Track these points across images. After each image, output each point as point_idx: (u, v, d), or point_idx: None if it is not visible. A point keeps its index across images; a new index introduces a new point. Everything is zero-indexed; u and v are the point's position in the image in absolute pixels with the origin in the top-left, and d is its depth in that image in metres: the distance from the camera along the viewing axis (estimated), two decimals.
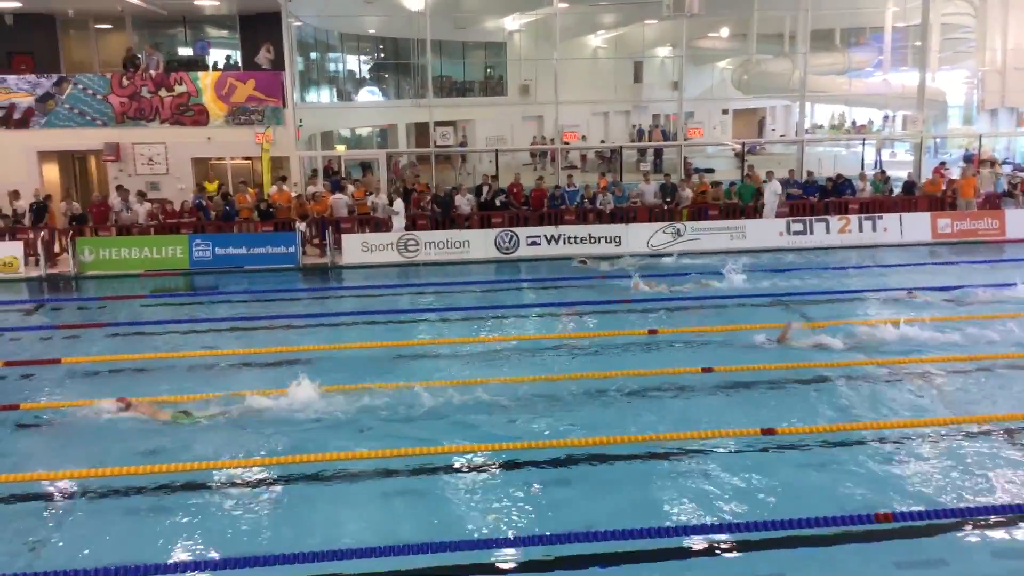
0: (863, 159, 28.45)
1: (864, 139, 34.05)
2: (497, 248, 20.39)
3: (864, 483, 8.03)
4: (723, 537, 7.15)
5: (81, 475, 8.40)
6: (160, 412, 9.97)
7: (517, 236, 20.48)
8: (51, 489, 8.25)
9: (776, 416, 9.65)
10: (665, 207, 21.96)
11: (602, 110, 38.34)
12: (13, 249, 19.38)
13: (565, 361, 12.08)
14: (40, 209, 20.55)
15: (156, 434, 9.49)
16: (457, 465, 8.64)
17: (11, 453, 9.06)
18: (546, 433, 9.39)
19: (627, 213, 21.79)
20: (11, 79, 22.44)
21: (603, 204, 21.65)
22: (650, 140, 36.45)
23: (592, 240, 20.58)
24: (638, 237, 20.68)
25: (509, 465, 8.63)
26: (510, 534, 7.28)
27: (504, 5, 31.75)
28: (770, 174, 22.17)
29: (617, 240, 20.62)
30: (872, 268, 18.61)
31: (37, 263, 19.49)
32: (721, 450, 8.85)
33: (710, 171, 28.75)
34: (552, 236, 20.55)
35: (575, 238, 20.59)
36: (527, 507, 7.73)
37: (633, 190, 22.67)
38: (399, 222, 20.48)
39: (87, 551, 7.05)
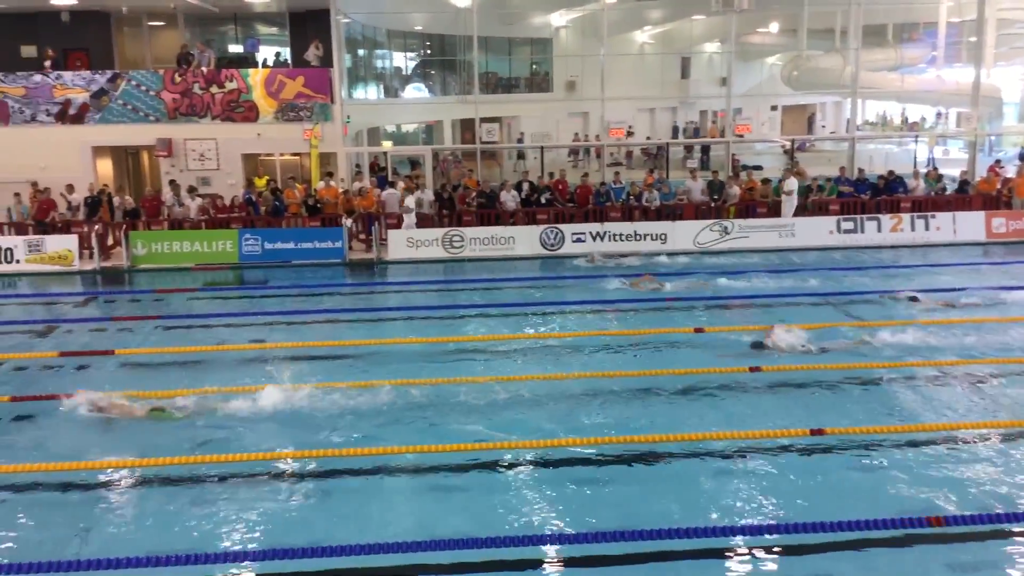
0: (916, 157, 27.91)
1: (917, 136, 33.40)
2: (542, 244, 20.37)
3: (915, 485, 7.89)
4: (771, 538, 7.06)
5: (130, 464, 8.56)
6: (135, 410, 10.05)
7: (562, 232, 20.43)
8: (101, 477, 8.41)
9: (826, 417, 9.51)
10: (712, 204, 21.75)
11: (648, 106, 38.09)
12: (68, 242, 19.81)
13: (610, 358, 12.01)
14: (94, 203, 20.98)
15: (203, 426, 9.65)
16: (502, 461, 8.64)
17: (65, 441, 9.25)
18: (591, 430, 9.35)
19: (673, 210, 21.61)
20: (67, 75, 22.94)
21: (649, 201, 21.50)
22: (704, 136, 36.16)
23: (637, 237, 20.45)
24: (685, 234, 20.51)
25: (554, 462, 8.61)
26: (554, 531, 7.27)
27: (551, 1, 31.70)
28: (787, 172, 21.93)
29: (663, 237, 20.47)
30: (895, 268, 18.25)
31: (91, 256, 19.91)
32: (769, 450, 8.73)
33: (758, 168, 28.44)
34: (597, 233, 20.46)
35: (620, 235, 20.48)
36: (571, 504, 7.72)
37: (680, 187, 22.49)
38: (410, 219, 20.56)
39: (133, 539, 7.19)
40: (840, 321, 13.51)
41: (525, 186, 21.98)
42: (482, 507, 7.69)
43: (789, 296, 15.26)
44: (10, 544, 7.17)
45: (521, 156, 32.19)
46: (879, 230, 20.61)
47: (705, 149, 33.40)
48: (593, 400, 10.30)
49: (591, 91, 27.91)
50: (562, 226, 20.60)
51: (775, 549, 6.93)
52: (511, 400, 10.31)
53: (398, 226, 20.85)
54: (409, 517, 7.56)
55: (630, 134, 28.36)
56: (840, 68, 31.66)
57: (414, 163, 27.67)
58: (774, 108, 41.78)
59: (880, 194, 21.95)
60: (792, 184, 21.24)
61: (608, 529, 7.05)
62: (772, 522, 7.30)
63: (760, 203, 21.66)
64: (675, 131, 37.79)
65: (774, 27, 37.62)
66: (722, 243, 20.42)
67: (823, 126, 46.50)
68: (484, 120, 25.43)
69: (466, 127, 30.54)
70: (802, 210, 21.28)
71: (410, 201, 20.63)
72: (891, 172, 22.86)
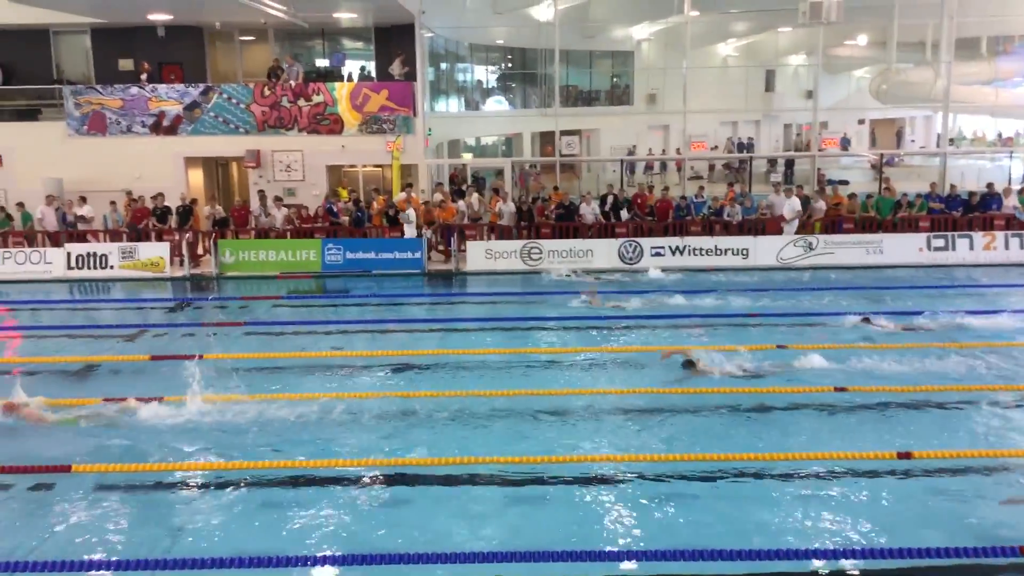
0: (1010, 173, 26.89)
1: (1012, 152, 32.18)
2: (620, 258, 20.25)
3: (1005, 514, 7.57)
4: (857, 564, 6.85)
5: (220, 467, 8.78)
6: (47, 416, 10.21)
7: (641, 246, 20.29)
8: (192, 478, 8.63)
9: (912, 440, 9.20)
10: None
11: (731, 119, 37.62)
12: (160, 250, 20.51)
13: (686, 373, 11.82)
14: (186, 212, 21.68)
15: (290, 429, 9.85)
16: (576, 475, 8.58)
17: (156, 444, 9.53)
18: (664, 447, 9.23)
19: (756, 225, 21.26)
20: (161, 88, 23.80)
21: (731, 216, 21.20)
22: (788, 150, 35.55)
23: (718, 252, 20.20)
24: (767, 250, 20.18)
25: (625, 478, 8.51)
26: (629, 548, 7.17)
27: (633, 14, 31.61)
28: (789, 191, 21.41)
29: (745, 252, 20.17)
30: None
31: (182, 263, 20.57)
32: (853, 472, 8.48)
33: (844, 183, 27.79)
34: (677, 247, 20.26)
35: (700, 249, 20.25)
36: (642, 522, 7.60)
37: (762, 201, 22.12)
38: (411, 231, 20.76)
39: (221, 540, 7.34)
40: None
41: (609, 199, 21.91)
42: (560, 520, 7.64)
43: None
44: (104, 541, 7.41)
45: (633, 169, 32.06)
46: (971, 248, 19.92)
47: (789, 163, 32.78)
48: (657, 416, 10.20)
49: (673, 104, 27.72)
50: (641, 240, 20.46)
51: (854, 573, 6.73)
52: (583, 413, 10.28)
53: (477, 238, 21.02)
54: (489, 528, 7.55)
55: (742, 147, 28.02)
56: (931, 81, 30.71)
57: (496, 175, 27.81)
58: (861, 122, 40.81)
59: (973, 211, 21.20)
60: (795, 203, 20.80)
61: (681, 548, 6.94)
62: (852, 546, 7.08)
63: (847, 218, 21.14)
64: (740, 146, 37.04)
65: (862, 39, 36.75)
66: (806, 259, 20.01)
67: (912, 140, 45.19)
68: (564, 133, 25.47)
69: (546, 140, 30.60)
70: (891, 227, 20.70)
71: (410, 214, 20.82)
72: (990, 185, 21.97)
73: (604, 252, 20.32)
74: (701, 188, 23.17)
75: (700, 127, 28.68)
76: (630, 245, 20.30)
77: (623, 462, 8.84)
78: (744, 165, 29.26)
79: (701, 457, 8.81)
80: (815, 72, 27.17)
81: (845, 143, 35.20)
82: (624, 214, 21.30)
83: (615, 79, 36.22)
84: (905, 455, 8.62)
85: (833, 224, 21.10)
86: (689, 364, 11.70)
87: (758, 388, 10.95)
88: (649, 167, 34.51)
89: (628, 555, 7.02)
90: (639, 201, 21.97)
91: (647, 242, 20.38)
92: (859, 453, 8.76)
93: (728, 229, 21.12)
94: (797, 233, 20.54)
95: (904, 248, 20.12)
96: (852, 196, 22.16)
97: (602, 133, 34.17)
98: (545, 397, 10.81)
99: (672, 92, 28.52)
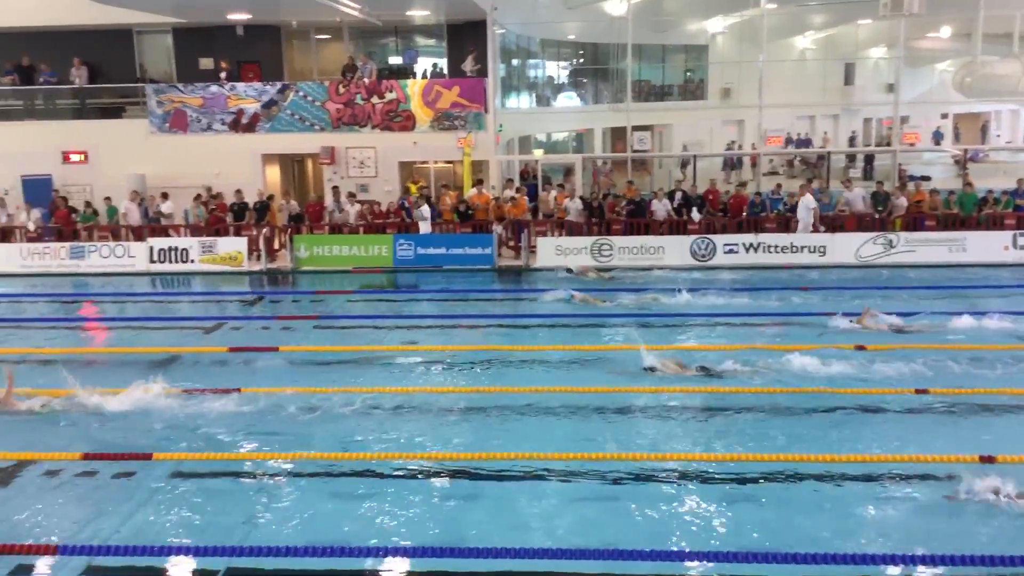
0: None
1: None
2: (692, 255, 20.00)
3: None
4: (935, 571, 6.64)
5: (294, 457, 8.95)
6: (16, 403, 10.52)
7: (713, 243, 20.00)
8: (265, 468, 8.82)
9: (996, 444, 8.87)
10: (876, 216, 20.76)
11: (808, 113, 36.82)
12: (238, 244, 21.00)
13: (761, 373, 11.61)
14: (262, 208, 22.15)
15: (360, 421, 9.99)
16: (647, 474, 8.49)
17: (234, 433, 9.76)
18: (740, 447, 9.08)
19: (833, 222, 20.76)
20: (240, 86, 24.34)
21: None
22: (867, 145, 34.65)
23: (794, 249, 19.78)
24: (845, 247, 19.69)
25: (700, 477, 8.40)
26: (695, 549, 7.06)
27: (707, 7, 31.14)
28: (802, 187, 20.71)
29: (822, 250, 19.71)
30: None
31: (259, 258, 21.03)
32: (933, 476, 8.22)
33: (926, 179, 26.98)
34: (751, 244, 19.91)
35: (776, 247, 19.86)
36: (714, 522, 7.49)
37: (841, 197, 21.59)
38: (425, 227, 20.84)
39: (294, 529, 7.48)
40: None
41: (678, 195, 21.65)
42: (630, 518, 7.58)
43: None
44: (178, 527, 7.62)
45: (685, 164, 31.72)
46: None
47: (869, 158, 31.95)
48: (718, 416, 10.05)
49: (748, 98, 27.25)
50: (714, 237, 20.17)
51: None
52: (652, 411, 10.21)
53: (547, 234, 21.00)
54: (558, 524, 7.53)
55: (790, 142, 27.46)
56: (1018, 75, 29.51)
57: (568, 171, 27.70)
58: (944, 116, 39.53)
59: None
60: (809, 200, 20.19)
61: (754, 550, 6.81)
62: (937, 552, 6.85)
63: (928, 215, 20.51)
64: (799, 142, 36.05)
65: (946, 31, 35.53)
66: (886, 257, 19.47)
67: (998, 135, 43.60)
68: (636, 128, 25.25)
69: (617, 135, 30.38)
70: (975, 224, 19.99)
71: (425, 210, 20.95)
72: None
73: (675, 249, 20.09)
74: (779, 185, 22.75)
75: (776, 122, 28.10)
76: (702, 242, 20.03)
77: (691, 461, 8.73)
78: (822, 160, 28.60)
79: (766, 458, 8.65)
80: (896, 65, 26.39)
81: (938, 136, 34.20)
82: (696, 212, 21.01)
83: (688, 73, 35.75)
84: (988, 459, 8.33)
85: (914, 221, 20.48)
86: (651, 369, 11.57)
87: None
88: (728, 162, 33.99)
89: (702, 555, 6.92)
90: (711, 197, 21.66)
91: (720, 239, 20.08)
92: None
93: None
94: (877, 231, 19.98)
95: (989, 246, 19.43)
96: (934, 192, 21.48)
97: (674, 128, 33.79)
98: (611, 394, 10.73)
99: (747, 86, 28.04)
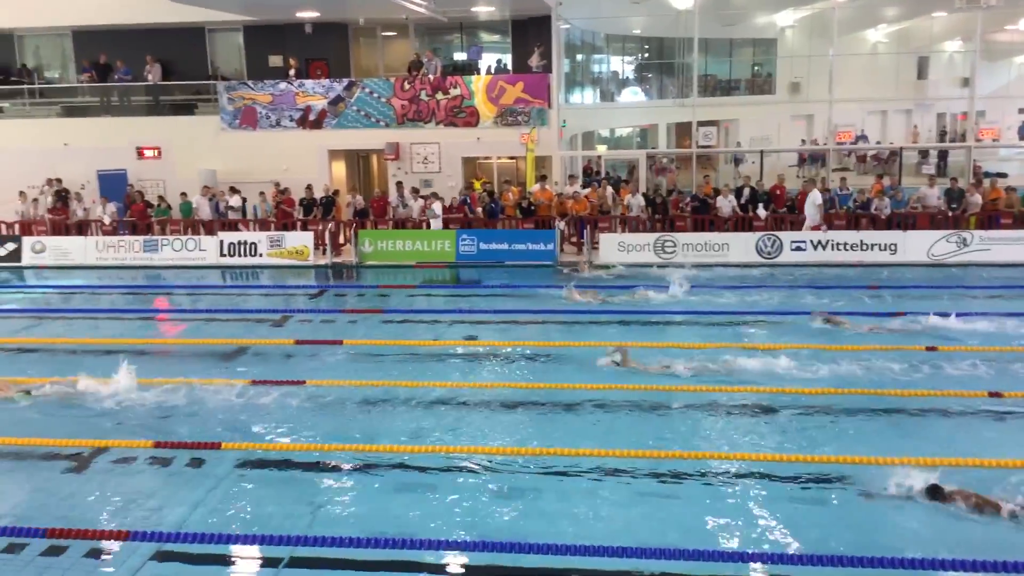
0: None
1: None
2: (758, 252, 19.68)
3: None
4: None
5: (356, 449, 9.08)
6: (5, 389, 10.84)
7: (780, 240, 19.66)
8: (329, 459, 8.94)
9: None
10: (950, 214, 20.17)
11: (880, 108, 35.93)
12: (305, 239, 21.34)
13: (830, 373, 11.36)
14: (328, 203, 22.47)
15: (422, 415, 10.09)
16: (705, 471, 8.40)
17: (299, 425, 9.94)
18: (807, 447, 8.92)
19: (905, 219, 20.24)
20: (308, 83, 24.72)
21: (878, 209, 20.26)
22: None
23: (864, 247, 19.33)
24: (917, 245, 19.17)
25: (762, 476, 8.27)
26: (754, 549, 6.96)
27: (777, 1, 30.61)
28: (809, 184, 20.08)
29: (893, 248, 19.23)
30: None
31: (324, 252, 21.34)
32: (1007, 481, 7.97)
33: (1003, 175, 26.11)
34: (819, 241, 19.53)
35: (845, 244, 19.44)
36: (773, 522, 7.38)
37: (913, 194, 21.03)
38: (436, 225, 20.95)
39: (357, 520, 7.58)
40: None
41: (746, 192, 21.33)
42: (693, 516, 7.51)
43: None
44: (244, 515, 7.78)
45: (738, 161, 31.26)
46: None
47: (942, 154, 31.04)
48: (782, 415, 9.86)
49: (817, 92, 26.72)
50: (781, 234, 19.81)
51: None
52: (712, 409, 10.10)
53: (610, 231, 20.89)
54: (620, 521, 7.49)
55: (861, 138, 26.84)
56: None
57: (632, 167, 27.50)
58: (1022, 111, 38.16)
59: None
60: (816, 197, 19.71)
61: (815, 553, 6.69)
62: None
63: (1005, 213, 19.85)
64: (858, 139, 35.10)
65: None
66: (960, 255, 18.91)
67: None
68: (701, 124, 24.95)
69: (682, 131, 30.05)
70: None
71: (437, 207, 21.06)
72: None
73: (741, 246, 19.80)
74: (843, 179, 22.26)
75: (846, 116, 27.49)
76: (768, 239, 19.70)
77: (749, 461, 8.61)
78: (894, 156, 27.90)
79: (811, 459, 8.48)
80: (972, 59, 25.57)
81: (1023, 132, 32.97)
82: (762, 208, 20.66)
83: (756, 68, 35.17)
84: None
85: (989, 219, 19.85)
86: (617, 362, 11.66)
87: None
88: (802, 160, 33.33)
89: (759, 556, 6.83)
90: (778, 193, 21.29)
91: (787, 236, 19.73)
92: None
93: (875, 223, 20.20)
94: (951, 228, 19.42)
95: None
96: (1010, 190, 20.77)
97: (741, 123, 33.29)
98: (674, 393, 10.64)
99: (817, 80, 27.47)
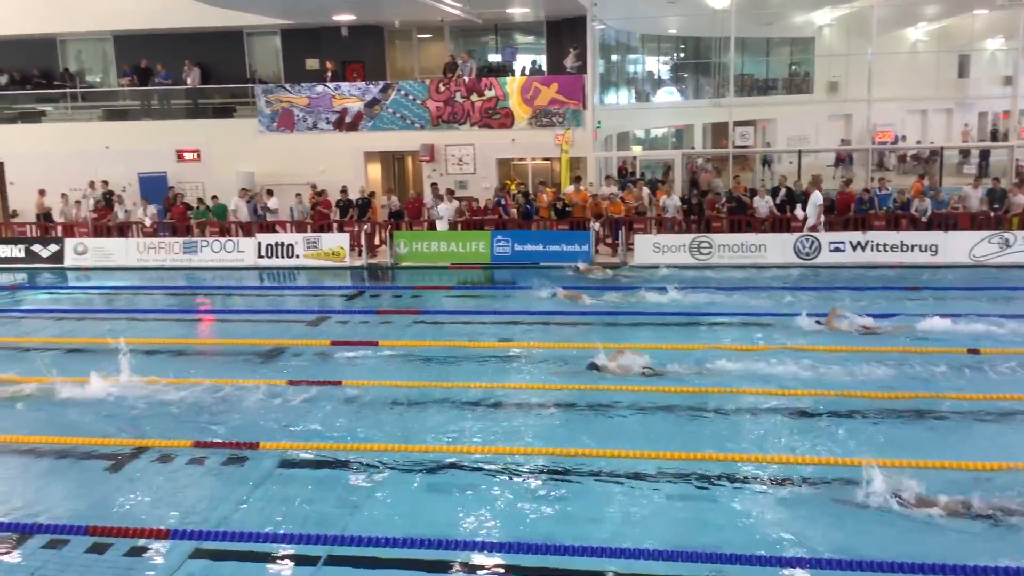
0: None
1: None
2: (796, 253, 19.49)
3: None
4: None
5: (392, 449, 9.11)
6: None
7: (819, 241, 19.44)
8: (366, 459, 8.98)
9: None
10: (992, 215, 19.82)
11: (919, 108, 35.42)
12: (340, 240, 21.49)
13: (867, 377, 11.22)
14: (364, 205, 22.62)
15: (458, 416, 10.11)
16: (745, 475, 8.32)
17: (336, 425, 10.01)
18: (839, 451, 8.78)
19: (946, 220, 19.92)
20: (344, 86, 24.91)
21: (918, 210, 19.96)
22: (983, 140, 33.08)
23: (904, 248, 19.07)
24: (958, 246, 18.87)
25: (803, 481, 8.17)
26: (794, 554, 6.88)
27: None
28: (812, 184, 19.90)
29: (933, 249, 18.95)
30: None
31: (360, 253, 21.48)
32: None
33: None
34: (858, 242, 19.28)
35: (885, 245, 19.19)
36: (815, 530, 7.28)
37: (954, 195, 20.70)
38: (442, 226, 20.94)
39: (393, 520, 7.60)
40: None
41: (782, 192, 21.13)
42: (729, 521, 7.44)
43: None
44: (282, 514, 7.84)
45: (768, 162, 30.98)
46: None
47: (984, 154, 30.52)
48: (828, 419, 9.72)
49: (856, 92, 26.41)
50: (819, 234, 19.60)
51: None
52: (748, 414, 10.01)
53: (645, 232, 20.80)
54: (655, 523, 7.45)
55: (903, 138, 26.48)
56: None
57: (668, 168, 27.35)
58: None
59: None
60: (818, 197, 19.51)
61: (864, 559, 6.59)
62: None
63: None
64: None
65: None
66: (1002, 257, 18.58)
67: None
68: (738, 123, 24.77)
69: (718, 131, 29.84)
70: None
71: (442, 209, 21.12)
72: None
73: (778, 247, 19.62)
74: (882, 179, 21.96)
75: (885, 116, 27.15)
76: (807, 240, 19.50)
77: (770, 464, 8.51)
78: (935, 156, 27.47)
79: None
80: (1015, 57, 25.10)
81: None
82: (800, 209, 20.44)
83: (793, 67, 34.85)
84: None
85: None
86: (595, 366, 11.54)
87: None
88: (840, 160, 32.98)
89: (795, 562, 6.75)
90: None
91: (825, 237, 19.51)
92: None
93: (915, 224, 19.91)
94: (993, 229, 19.09)
95: None
96: None
97: (778, 123, 32.99)
98: (714, 395, 10.57)
99: (855, 79, 27.17)
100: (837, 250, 19.30)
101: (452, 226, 21.76)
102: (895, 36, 34.45)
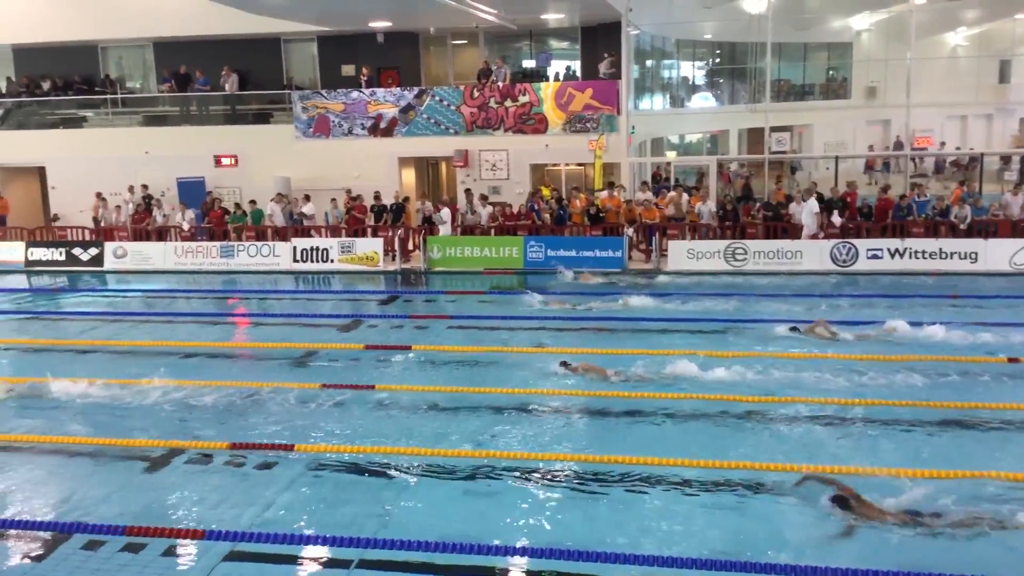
0: None
1: None
2: (832, 260, 19.27)
3: None
4: None
5: (425, 452, 9.14)
6: None
7: (856, 248, 19.22)
8: (398, 463, 9.02)
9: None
10: None
11: (959, 113, 34.89)
12: (375, 245, 21.62)
13: (909, 385, 11.05)
14: (398, 209, 22.74)
15: (486, 418, 10.14)
16: (774, 482, 8.24)
17: (367, 428, 10.07)
18: (882, 462, 8.67)
19: (986, 227, 19.60)
20: (380, 92, 25.08)
21: (958, 217, 19.66)
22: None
23: (943, 255, 18.79)
24: (998, 254, 18.57)
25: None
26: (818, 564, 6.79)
27: (852, 4, 29.99)
28: (807, 192, 19.64)
29: (973, 256, 18.65)
30: None
31: (394, 258, 21.58)
32: None
33: None
34: (896, 249, 19.03)
35: (923, 252, 18.92)
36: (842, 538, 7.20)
37: (995, 202, 20.36)
38: (445, 230, 20.93)
39: (425, 524, 7.60)
40: None
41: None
42: (767, 527, 7.37)
43: None
44: (315, 517, 7.89)
45: (795, 169, 30.68)
46: None
47: None
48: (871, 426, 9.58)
49: (894, 97, 26.10)
50: (856, 241, 19.37)
51: None
52: (779, 421, 9.92)
53: (679, 238, 20.68)
54: (689, 530, 7.40)
55: (943, 144, 26.12)
56: None
57: (701, 174, 27.19)
58: None
59: None
60: (813, 205, 19.29)
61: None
62: None
63: None
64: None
65: None
66: None
67: None
68: (774, 129, 24.57)
69: (754, 137, 29.60)
70: None
71: (444, 214, 21.21)
72: None
73: (815, 254, 19.41)
74: (919, 185, 21.66)
75: (924, 122, 26.78)
76: (844, 247, 19.27)
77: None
78: (974, 162, 27.05)
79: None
80: None
81: None
82: (836, 215, 20.21)
83: (831, 72, 34.49)
84: None
85: None
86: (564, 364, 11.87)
87: None
88: (871, 166, 32.58)
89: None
90: (852, 200, 20.82)
91: (863, 244, 19.28)
92: None
93: (955, 231, 19.62)
94: None
95: None
96: None
97: (815, 129, 32.67)
98: (744, 403, 10.48)
99: (894, 85, 26.86)
100: (875, 257, 19.06)
101: (485, 231, 21.80)
102: (934, 41, 34.00)
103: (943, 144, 31.83)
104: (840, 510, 7.47)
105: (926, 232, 19.71)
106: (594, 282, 18.87)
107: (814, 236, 19.68)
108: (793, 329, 13.56)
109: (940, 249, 18.91)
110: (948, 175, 31.81)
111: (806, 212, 19.89)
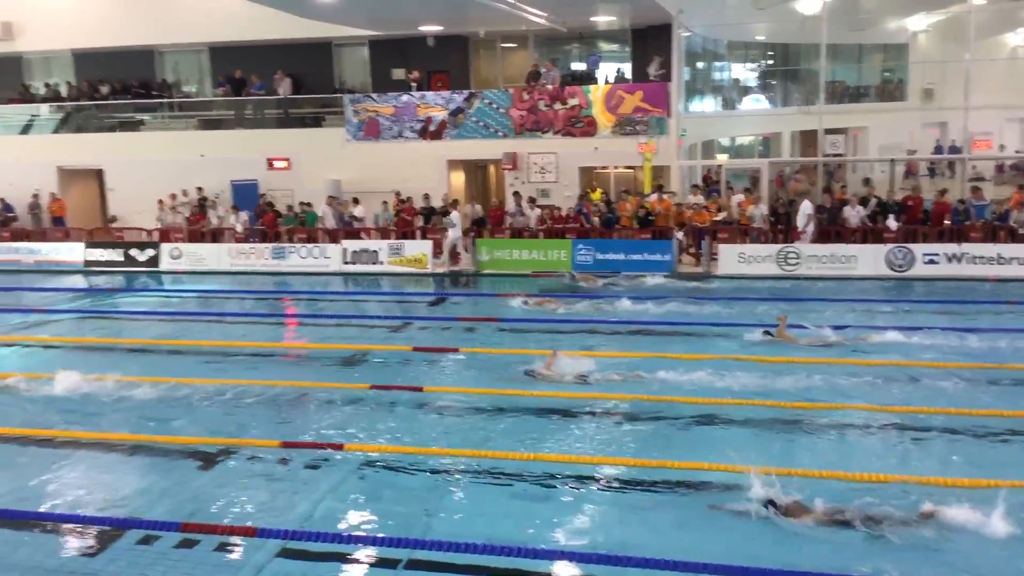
0: None
1: None
2: (888, 265, 18.93)
3: None
4: None
5: (470, 454, 9.15)
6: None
7: (912, 253, 18.85)
8: (448, 464, 9.05)
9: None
10: None
11: (1020, 116, 33.98)
12: (423, 247, 21.76)
13: (949, 392, 10.82)
14: (444, 213, 22.82)
15: (534, 421, 10.11)
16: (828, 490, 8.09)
17: (414, 430, 10.11)
18: (920, 470, 8.49)
19: None
20: (429, 95, 25.24)
21: (1017, 221, 19.18)
22: None
23: (1002, 260, 18.36)
24: None
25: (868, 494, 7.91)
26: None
27: (909, 4, 29.38)
28: (803, 193, 19.03)
29: None
30: None
31: (442, 261, 21.69)
32: None
33: None
34: (954, 254, 18.62)
35: (980, 257, 18.50)
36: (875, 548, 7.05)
37: None
38: (454, 233, 20.96)
39: (473, 525, 7.62)
40: None
41: (872, 202, 20.56)
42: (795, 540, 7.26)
43: None
44: (365, 518, 7.95)
45: (830, 172, 30.13)
46: None
47: None
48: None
49: (952, 99, 25.53)
50: (912, 245, 19.00)
51: None
52: (817, 429, 9.78)
53: (730, 241, 20.48)
54: (748, 537, 7.31)
55: (1002, 147, 25.49)
56: None
57: (754, 178, 26.85)
58: None
59: None
60: (807, 207, 19.04)
61: None
62: None
63: None
64: (952, 149, 33.16)
65: None
66: None
67: None
68: (828, 131, 24.20)
69: (807, 139, 29.16)
70: None
71: (454, 217, 21.19)
72: None
73: (869, 258, 19.09)
74: (977, 189, 21.18)
75: (983, 124, 26.15)
76: (899, 251, 18.92)
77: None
78: None
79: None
80: None
81: None
82: (892, 219, 19.84)
83: (886, 73, 33.84)
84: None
85: None
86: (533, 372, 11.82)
87: None
88: (930, 169, 31.89)
89: None
90: (909, 204, 20.41)
91: (919, 248, 18.90)
92: None
93: (1014, 236, 19.14)
94: None
95: None
96: None
97: (871, 131, 32.07)
98: (796, 410, 10.32)
99: (952, 86, 26.25)
100: (931, 262, 18.69)
101: (534, 234, 21.79)
102: (994, 41, 33.13)
103: (1002, 147, 31.01)
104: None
105: (984, 237, 19.26)
106: (598, 284, 19.00)
107: (800, 235, 19.57)
108: (766, 333, 13.44)
109: (998, 254, 18.48)
110: (1007, 179, 31.00)
111: (800, 214, 19.70)
